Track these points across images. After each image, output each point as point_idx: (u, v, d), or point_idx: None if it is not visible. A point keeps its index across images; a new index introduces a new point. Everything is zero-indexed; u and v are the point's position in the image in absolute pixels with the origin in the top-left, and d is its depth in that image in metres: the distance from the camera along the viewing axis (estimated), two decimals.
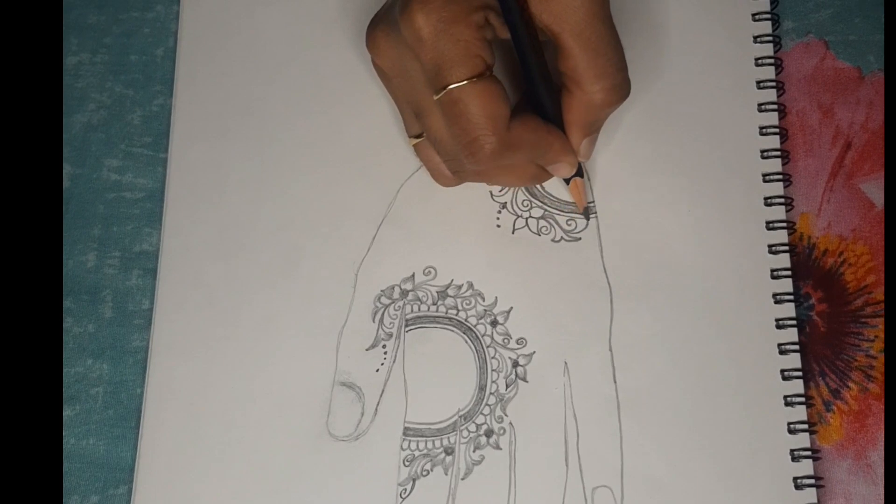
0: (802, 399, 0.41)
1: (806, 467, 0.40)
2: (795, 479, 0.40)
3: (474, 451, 0.41)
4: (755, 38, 0.45)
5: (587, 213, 0.43)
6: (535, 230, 0.43)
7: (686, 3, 0.45)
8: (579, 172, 0.42)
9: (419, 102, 0.39)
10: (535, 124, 0.39)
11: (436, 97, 0.37)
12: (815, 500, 0.40)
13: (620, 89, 0.38)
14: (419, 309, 0.43)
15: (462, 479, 0.41)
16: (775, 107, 0.44)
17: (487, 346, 0.42)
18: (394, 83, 0.40)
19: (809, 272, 0.43)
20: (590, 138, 0.40)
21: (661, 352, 0.42)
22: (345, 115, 0.45)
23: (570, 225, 0.43)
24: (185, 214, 0.44)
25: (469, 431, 0.41)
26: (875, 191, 0.43)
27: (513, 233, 0.43)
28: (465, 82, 0.36)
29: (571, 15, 0.37)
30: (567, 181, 0.43)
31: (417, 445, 0.41)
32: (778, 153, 0.43)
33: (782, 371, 0.41)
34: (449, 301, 0.43)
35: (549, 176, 0.42)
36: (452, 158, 0.40)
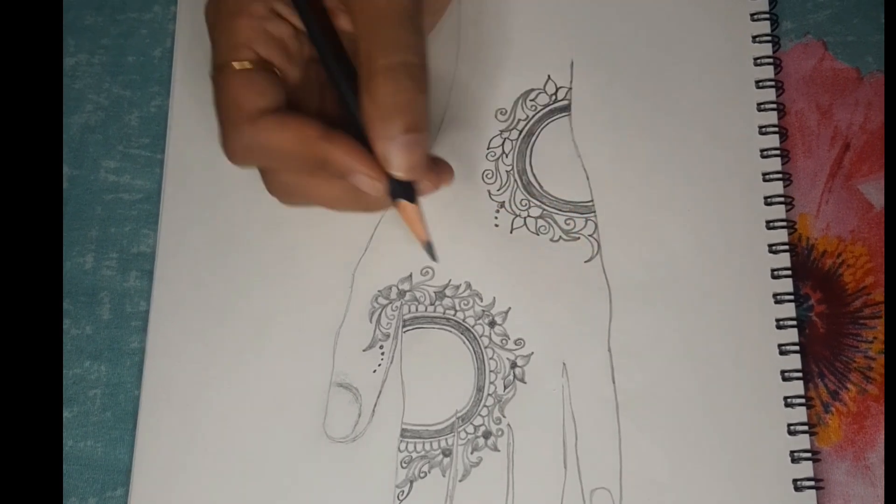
0: (803, 400, 0.41)
1: (806, 469, 0.40)
2: (795, 480, 0.40)
3: (472, 453, 0.41)
4: (754, 37, 0.44)
5: (429, 249, 0.39)
6: (533, 230, 0.43)
7: (685, 3, 0.45)
8: (409, 196, 0.36)
9: None
10: (298, 124, 0.35)
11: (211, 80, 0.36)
12: (815, 502, 0.40)
13: (411, 70, 0.34)
14: (417, 309, 0.43)
15: (460, 480, 0.41)
16: (774, 106, 0.44)
17: (485, 347, 0.42)
18: None
19: (808, 273, 0.43)
20: (400, 142, 0.34)
21: (661, 352, 0.41)
22: None
23: (568, 224, 0.43)
24: (182, 215, 0.44)
25: (467, 433, 0.41)
26: (874, 192, 0.43)
27: (511, 232, 0.43)
28: (224, 69, 0.36)
29: None
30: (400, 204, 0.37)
31: (415, 447, 0.41)
32: (778, 152, 0.43)
33: (782, 372, 0.41)
34: (447, 301, 0.43)
35: (370, 199, 0.36)
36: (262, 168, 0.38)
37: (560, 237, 0.43)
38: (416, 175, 0.36)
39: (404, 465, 0.41)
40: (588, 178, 0.44)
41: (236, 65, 0.35)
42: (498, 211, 0.44)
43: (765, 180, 0.43)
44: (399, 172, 0.35)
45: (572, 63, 0.45)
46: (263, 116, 0.35)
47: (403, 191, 0.36)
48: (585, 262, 0.43)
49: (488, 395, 0.42)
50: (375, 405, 0.42)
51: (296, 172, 0.37)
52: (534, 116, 0.44)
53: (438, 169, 0.38)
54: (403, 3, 0.35)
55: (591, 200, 0.43)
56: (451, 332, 0.42)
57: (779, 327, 0.41)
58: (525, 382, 0.42)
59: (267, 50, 0.36)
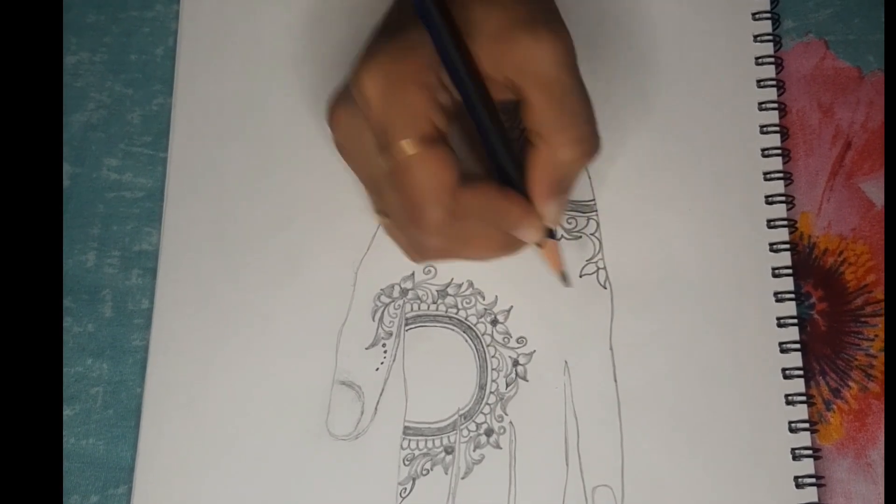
0: (804, 398, 0.41)
1: (807, 466, 0.40)
2: (796, 478, 0.40)
3: (474, 451, 0.41)
4: (755, 37, 0.45)
5: (564, 278, 0.41)
6: None
7: (686, 2, 0.45)
8: (552, 234, 0.39)
9: (377, 178, 0.37)
10: (487, 190, 0.36)
11: (384, 164, 0.35)
12: (816, 499, 0.40)
13: (587, 143, 0.36)
14: (419, 308, 0.43)
15: (462, 478, 0.41)
16: (776, 105, 0.44)
17: (487, 345, 0.42)
18: (354, 159, 0.39)
19: (809, 271, 0.43)
20: (557, 199, 0.37)
21: (662, 351, 0.42)
22: None
23: (570, 224, 0.43)
24: (185, 214, 0.44)
25: (469, 430, 0.41)
26: (875, 190, 0.43)
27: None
28: (410, 148, 0.34)
29: (533, 66, 0.34)
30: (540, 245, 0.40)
31: (417, 444, 0.41)
32: (779, 151, 0.43)
33: (783, 370, 0.41)
34: (449, 300, 0.43)
35: (520, 244, 0.39)
36: (407, 232, 0.38)
37: (562, 236, 0.43)
38: (560, 222, 0.40)
39: (407, 462, 0.41)
40: (590, 178, 0.44)
41: (411, 142, 0.34)
42: None
43: (766, 179, 0.43)
44: (552, 224, 0.38)
45: None
46: (461, 188, 0.35)
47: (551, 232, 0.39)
48: (587, 260, 0.43)
49: (490, 392, 0.42)
50: (378, 403, 0.42)
51: (488, 232, 0.38)
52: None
53: None
54: (575, 70, 0.35)
55: (593, 199, 0.44)
56: (453, 330, 0.42)
57: (780, 325, 0.42)
58: (527, 380, 0.42)
59: (441, 120, 0.35)
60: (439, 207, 0.35)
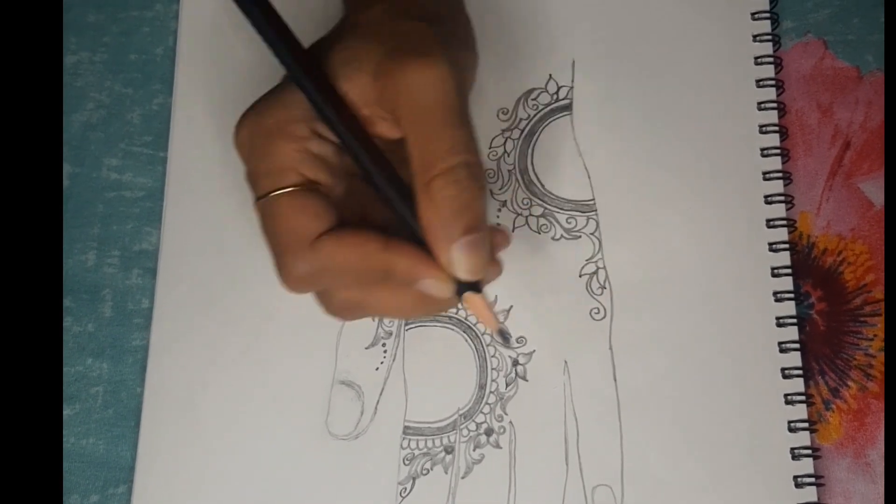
0: (803, 397, 0.41)
1: (806, 466, 0.40)
2: (796, 477, 0.40)
3: (474, 450, 0.41)
4: (754, 36, 0.45)
5: (503, 335, 0.37)
6: (534, 228, 0.43)
7: (686, 2, 0.45)
8: (475, 287, 0.34)
9: None
10: (360, 240, 0.33)
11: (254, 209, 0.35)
12: (816, 499, 0.40)
13: (467, 170, 0.32)
14: None
15: (462, 477, 0.41)
16: (775, 105, 0.44)
17: (487, 345, 0.42)
18: None
19: (808, 271, 0.43)
20: (465, 243, 0.32)
21: (662, 350, 0.42)
22: None
23: (570, 223, 0.43)
24: (185, 213, 0.44)
25: (469, 430, 0.41)
26: (874, 190, 0.43)
27: (512, 231, 0.43)
28: (267, 197, 0.34)
29: (408, 97, 0.33)
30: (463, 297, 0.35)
31: (417, 444, 0.41)
32: (778, 151, 0.43)
33: (783, 369, 0.41)
34: None
35: (441, 300, 0.35)
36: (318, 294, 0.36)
37: (561, 236, 0.43)
38: (482, 272, 0.34)
39: (407, 462, 0.41)
40: (589, 177, 0.44)
41: (281, 191, 0.34)
42: (500, 210, 0.44)
43: (765, 179, 0.43)
44: (466, 275, 0.33)
45: (574, 63, 0.45)
46: (321, 239, 0.33)
47: (470, 285, 0.34)
48: (587, 260, 0.43)
49: (490, 392, 0.42)
50: (378, 402, 0.42)
51: (358, 288, 0.35)
52: (535, 116, 0.44)
53: (496, 247, 0.36)
54: (452, 100, 0.33)
55: (593, 199, 0.44)
56: (453, 329, 0.42)
57: (779, 325, 0.42)
58: (527, 380, 0.42)
59: (313, 171, 0.34)
60: (296, 259, 0.33)
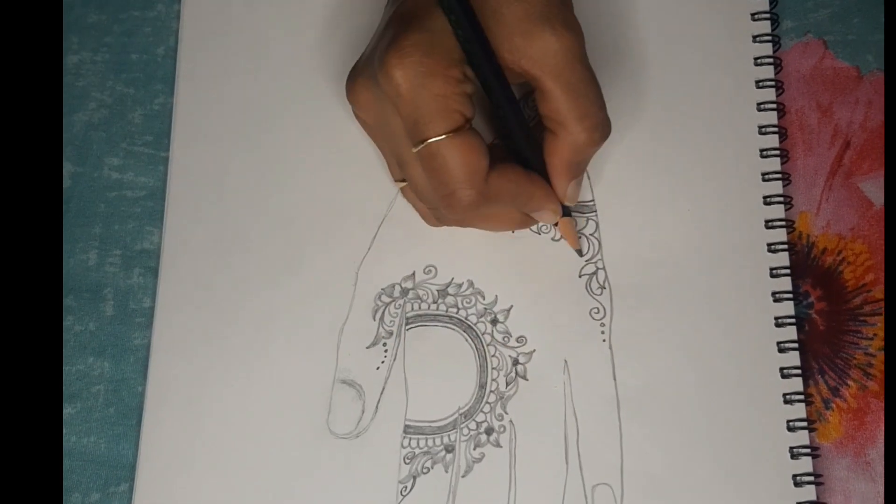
0: (802, 397, 0.41)
1: (805, 464, 0.40)
2: (795, 476, 0.40)
3: (475, 449, 0.41)
4: (754, 37, 0.45)
5: (581, 253, 0.43)
6: (535, 229, 0.43)
7: (686, 3, 0.45)
8: (566, 212, 0.41)
9: (401, 153, 0.39)
10: (515, 174, 0.38)
11: (414, 150, 0.37)
12: (815, 498, 0.40)
13: (603, 128, 0.38)
14: (419, 307, 0.43)
15: (462, 476, 0.41)
16: (774, 106, 0.44)
17: (488, 345, 0.42)
18: (376, 133, 0.40)
19: (808, 271, 0.43)
20: (575, 181, 0.40)
21: (661, 350, 0.42)
22: (346, 114, 0.45)
23: None
24: (187, 213, 0.44)
25: (469, 429, 0.41)
26: (874, 190, 0.44)
27: (513, 231, 0.43)
28: (442, 137, 0.36)
29: (550, 59, 0.36)
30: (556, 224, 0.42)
31: (418, 443, 0.41)
32: (777, 152, 0.43)
33: (781, 369, 0.41)
34: (449, 299, 0.43)
35: (535, 221, 0.41)
36: (433, 207, 0.40)
37: (562, 236, 0.43)
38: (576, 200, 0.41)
39: (407, 461, 0.41)
40: (589, 178, 0.44)
41: (452, 133, 0.36)
42: None
43: (764, 180, 0.43)
44: (570, 203, 0.41)
45: None
46: (491, 173, 0.37)
47: (565, 211, 0.41)
48: (587, 260, 0.43)
49: (490, 391, 0.42)
50: (379, 402, 0.42)
51: (508, 211, 0.40)
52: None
53: None
54: (586, 64, 0.37)
55: (592, 200, 0.44)
56: (453, 329, 0.42)
57: (777, 325, 0.42)
58: (527, 379, 0.42)
59: (470, 111, 0.37)
60: (472, 191, 0.37)
